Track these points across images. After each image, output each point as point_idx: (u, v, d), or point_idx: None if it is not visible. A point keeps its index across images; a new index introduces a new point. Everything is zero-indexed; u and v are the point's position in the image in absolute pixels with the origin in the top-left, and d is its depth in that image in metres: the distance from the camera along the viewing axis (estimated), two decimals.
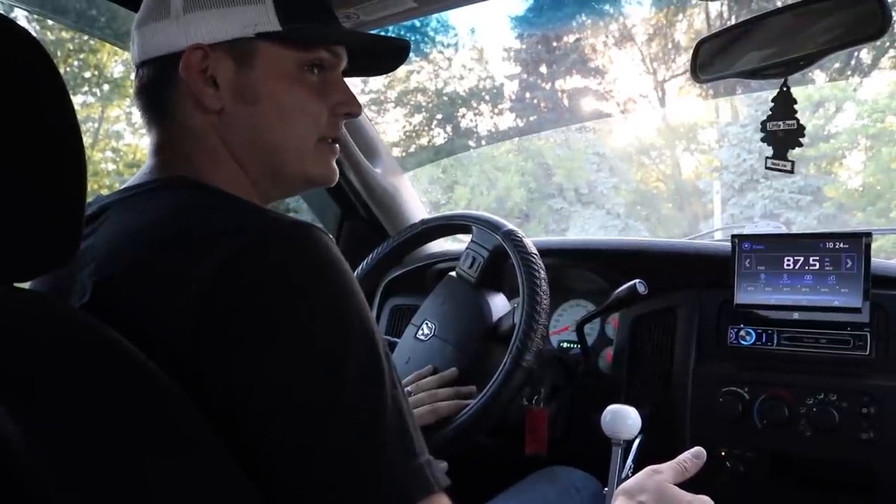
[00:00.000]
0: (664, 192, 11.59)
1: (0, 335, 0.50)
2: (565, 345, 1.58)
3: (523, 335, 1.12)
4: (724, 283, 1.31)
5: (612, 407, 1.05)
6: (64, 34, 6.40)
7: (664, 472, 0.88)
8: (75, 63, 6.88)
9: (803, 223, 9.01)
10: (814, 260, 1.24)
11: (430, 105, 11.14)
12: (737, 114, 10.61)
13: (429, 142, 10.79)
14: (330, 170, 0.86)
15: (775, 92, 1.10)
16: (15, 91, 0.49)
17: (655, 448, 1.09)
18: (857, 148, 9.89)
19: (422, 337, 1.32)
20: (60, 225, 0.53)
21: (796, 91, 1.09)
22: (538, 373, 1.33)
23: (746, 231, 1.38)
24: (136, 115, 0.83)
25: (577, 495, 1.19)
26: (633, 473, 0.90)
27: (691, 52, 1.17)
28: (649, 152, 11.79)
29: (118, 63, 7.07)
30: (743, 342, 1.28)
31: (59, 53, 6.32)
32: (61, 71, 0.52)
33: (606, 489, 1.02)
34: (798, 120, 1.08)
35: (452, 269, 1.39)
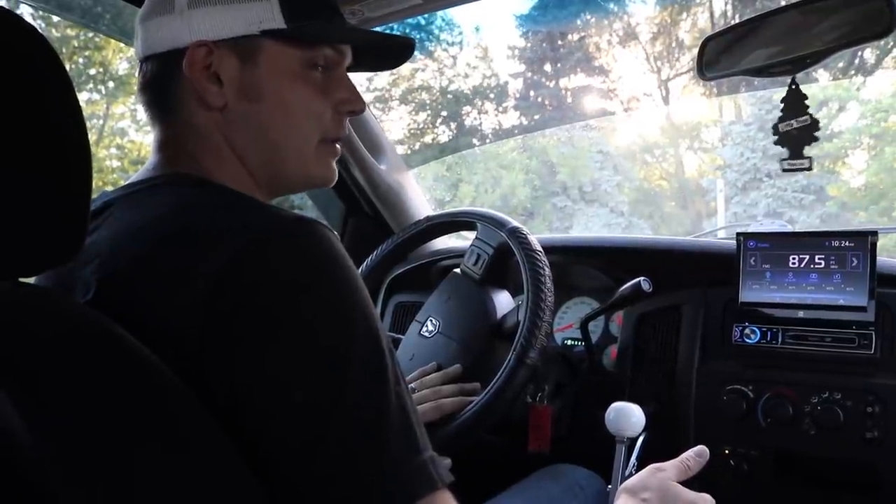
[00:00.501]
0: (667, 191, 11.57)
1: (5, 330, 0.50)
2: (569, 342, 1.58)
3: (527, 332, 1.12)
4: (728, 281, 1.31)
5: (615, 405, 1.05)
6: (69, 31, 6.42)
7: (667, 470, 0.88)
8: (80, 60, 6.90)
9: (806, 222, 8.99)
10: (819, 258, 1.24)
11: (435, 103, 11.14)
12: (740, 112, 10.59)
13: (433, 139, 10.79)
14: (330, 171, 0.86)
15: (779, 91, 1.09)
16: (21, 87, 0.49)
17: (659, 446, 1.09)
18: (860, 147, 9.87)
19: (426, 334, 1.32)
20: (65, 221, 0.53)
21: None
22: (542, 370, 1.33)
23: (751, 229, 1.38)
24: (141, 113, 0.83)
25: (581, 493, 1.19)
26: (637, 471, 0.91)
27: (696, 50, 1.16)
28: (653, 150, 11.78)
29: (123, 60, 7.09)
30: (747, 340, 1.28)
31: (64, 50, 6.34)
32: (67, 68, 0.52)
33: (610, 487, 1.03)
34: (811, 115, 1.06)
35: (457, 266, 1.39)
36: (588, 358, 1.44)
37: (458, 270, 1.37)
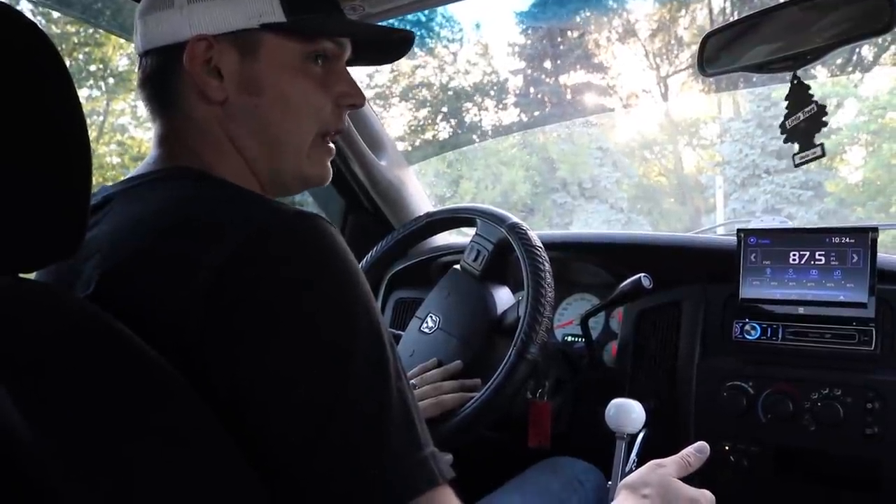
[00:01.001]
0: (667, 187, 11.59)
1: (5, 326, 0.50)
2: (570, 338, 1.58)
3: (528, 328, 1.12)
4: (729, 277, 1.31)
5: (616, 401, 1.05)
6: (69, 27, 6.41)
7: (668, 467, 0.88)
8: (81, 56, 6.89)
9: (804, 218, 9.00)
10: (819, 255, 1.23)
11: (436, 99, 11.15)
12: (739, 109, 10.61)
13: (434, 136, 10.80)
14: (325, 170, 0.87)
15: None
16: (21, 83, 0.49)
17: (659, 442, 1.09)
18: (858, 144, 9.90)
19: (426, 330, 1.32)
20: (66, 216, 0.53)
21: None
22: (542, 366, 1.33)
23: (752, 226, 1.37)
24: (141, 109, 0.83)
25: (581, 488, 1.19)
26: (637, 467, 0.90)
27: (695, 47, 1.16)
28: (652, 147, 11.79)
29: (123, 57, 7.09)
30: (748, 336, 1.28)
31: (64, 47, 6.32)
32: (67, 64, 0.52)
33: (610, 483, 1.02)
34: (816, 102, 1.06)
35: (457, 262, 1.38)
36: (588, 354, 1.44)
37: (458, 266, 1.37)
